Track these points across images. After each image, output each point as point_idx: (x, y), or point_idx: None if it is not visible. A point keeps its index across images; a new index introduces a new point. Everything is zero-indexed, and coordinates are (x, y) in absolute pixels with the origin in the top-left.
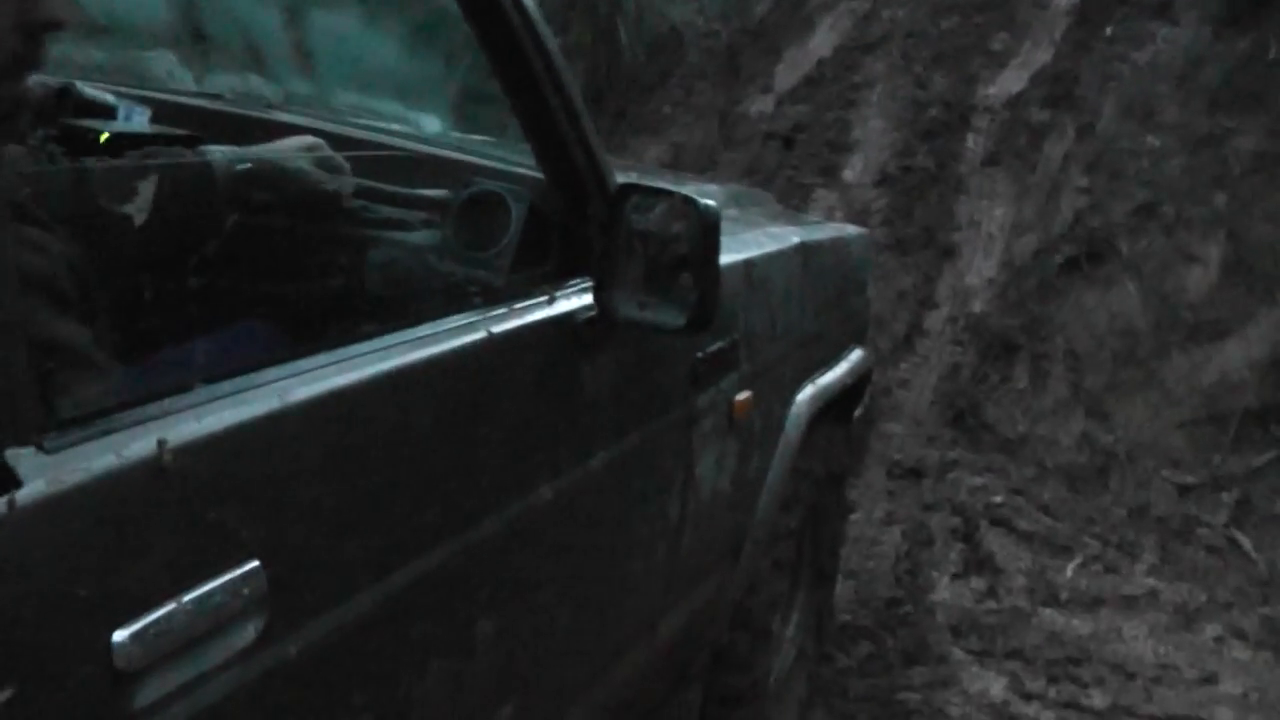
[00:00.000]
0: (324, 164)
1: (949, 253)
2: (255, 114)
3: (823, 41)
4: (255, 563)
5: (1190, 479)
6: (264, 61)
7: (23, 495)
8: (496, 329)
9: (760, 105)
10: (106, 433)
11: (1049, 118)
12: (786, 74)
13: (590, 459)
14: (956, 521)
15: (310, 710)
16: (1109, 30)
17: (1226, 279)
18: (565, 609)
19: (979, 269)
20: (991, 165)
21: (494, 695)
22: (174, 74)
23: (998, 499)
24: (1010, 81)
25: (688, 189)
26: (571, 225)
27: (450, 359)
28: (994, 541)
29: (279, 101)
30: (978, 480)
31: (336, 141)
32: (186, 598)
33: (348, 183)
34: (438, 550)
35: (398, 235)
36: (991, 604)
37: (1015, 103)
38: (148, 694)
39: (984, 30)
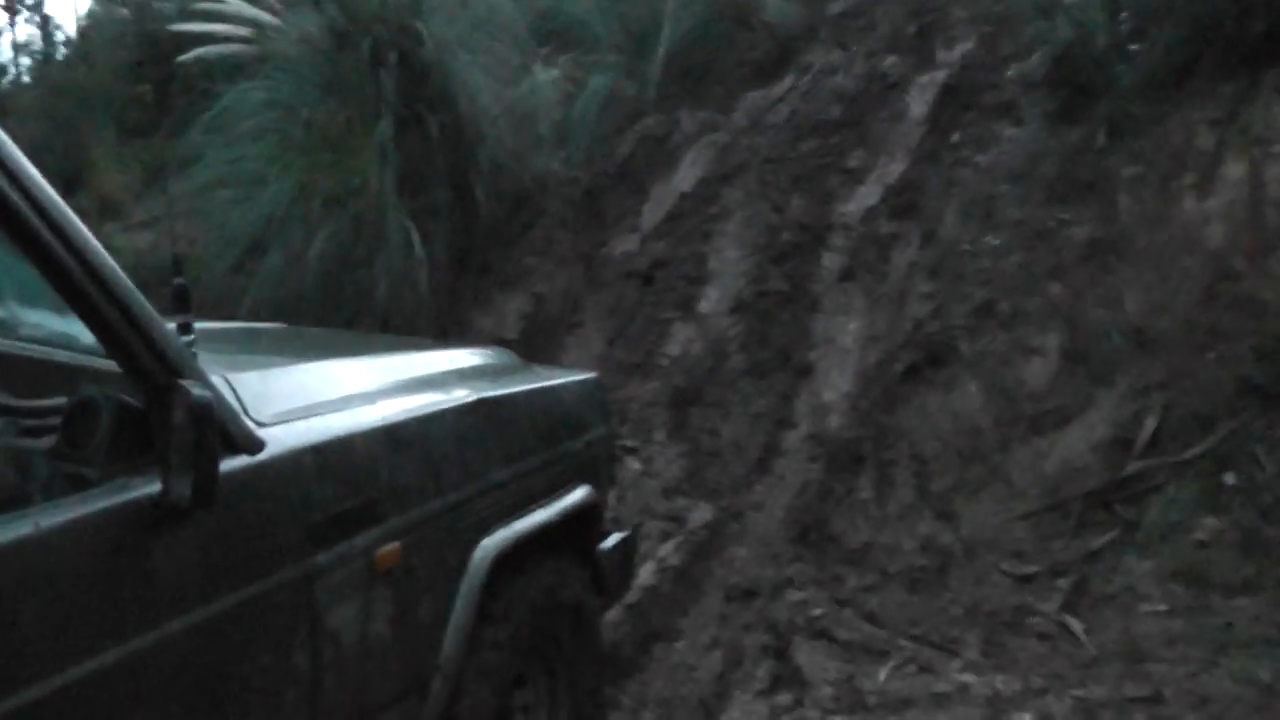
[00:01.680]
0: None
1: (805, 371)
2: None
3: (686, 176)
4: None
5: (1030, 569)
6: None
7: None
8: (47, 520)
9: (626, 245)
10: None
11: (896, 229)
12: (652, 212)
13: (167, 624)
14: (768, 638)
15: None
16: (956, 136)
17: (1065, 366)
18: None
19: (835, 384)
20: (845, 280)
21: None
22: None
23: (818, 611)
24: (866, 196)
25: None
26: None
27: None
28: (806, 654)
29: None
30: (800, 595)
31: None
32: None
33: None
34: None
35: (20, 441)
36: (786, 718)
37: (868, 217)
38: None
39: (841, 149)
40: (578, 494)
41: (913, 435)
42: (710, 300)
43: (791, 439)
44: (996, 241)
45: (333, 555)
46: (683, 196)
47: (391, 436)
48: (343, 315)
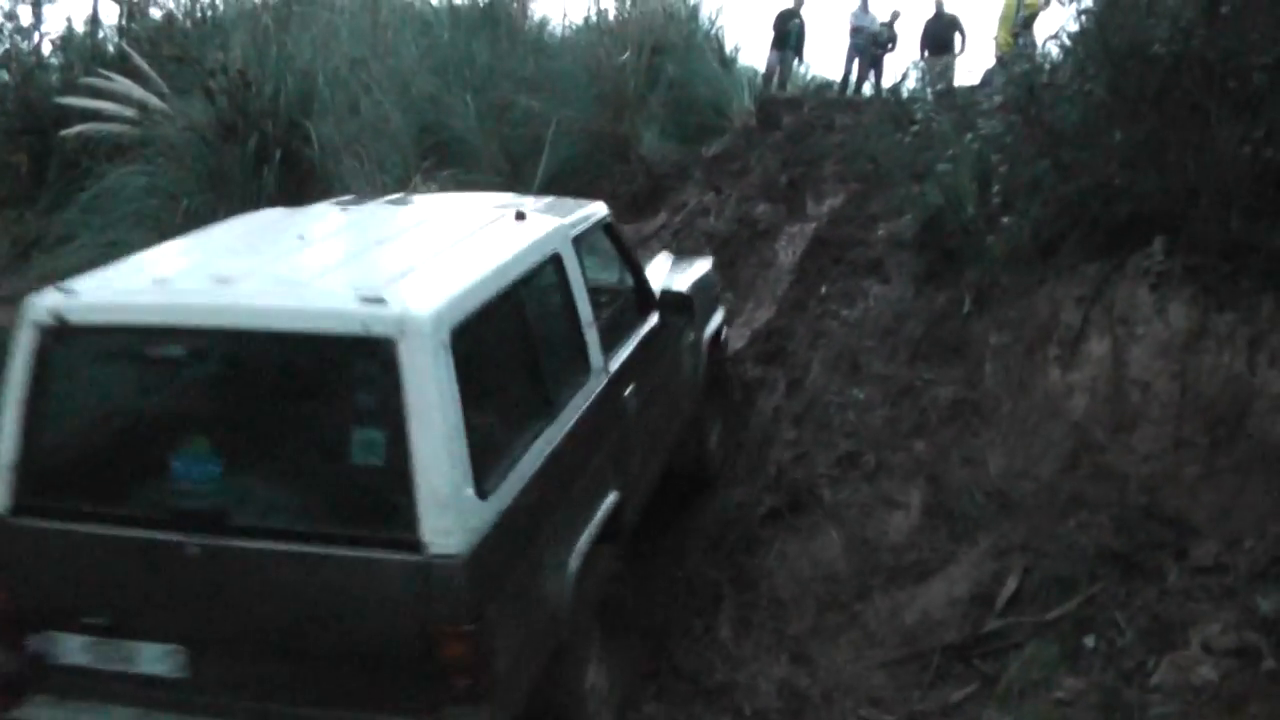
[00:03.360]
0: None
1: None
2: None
3: None
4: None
5: (888, 717)
6: None
7: None
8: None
9: None
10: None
11: (763, 373)
12: None
13: (668, 368)
14: None
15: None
16: (824, 289)
17: (927, 522)
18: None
19: (698, 522)
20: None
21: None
22: None
23: None
24: (734, 339)
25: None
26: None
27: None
28: None
29: None
30: None
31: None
32: None
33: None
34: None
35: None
36: None
37: (736, 360)
38: None
39: None
40: (721, 313)
41: (772, 578)
42: None
43: (650, 574)
44: (862, 395)
45: (688, 335)
46: None
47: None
48: None
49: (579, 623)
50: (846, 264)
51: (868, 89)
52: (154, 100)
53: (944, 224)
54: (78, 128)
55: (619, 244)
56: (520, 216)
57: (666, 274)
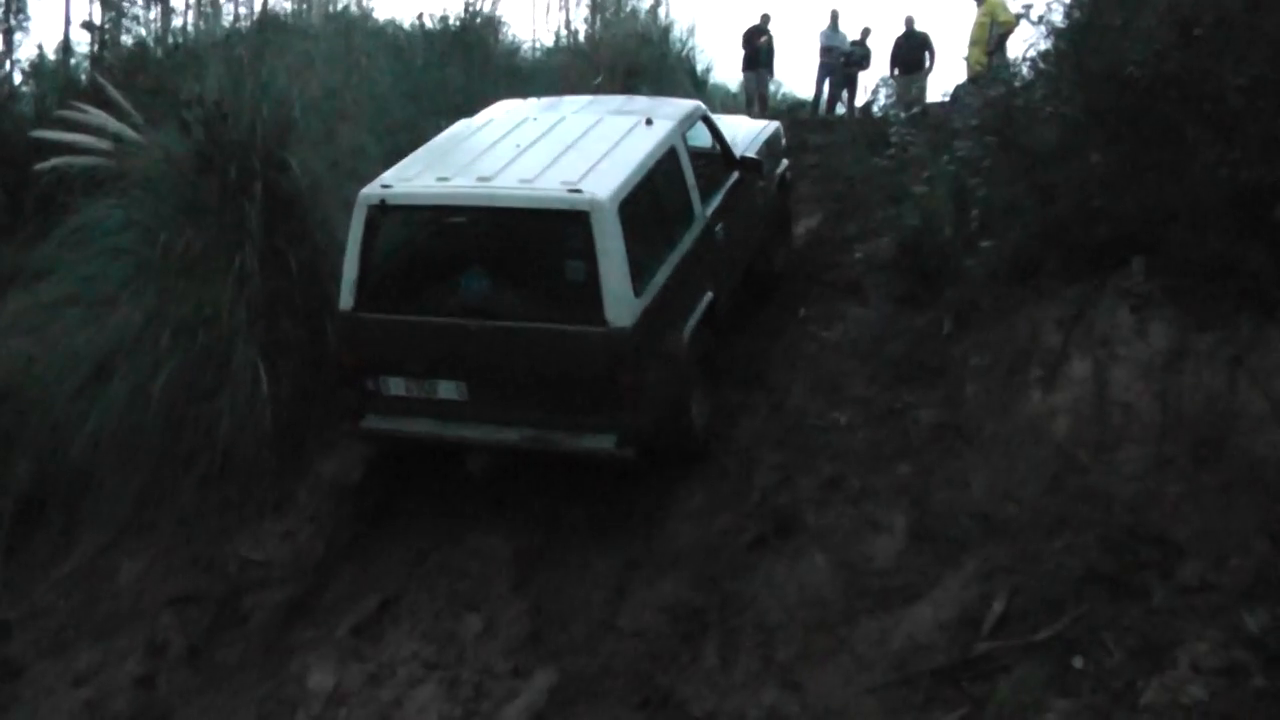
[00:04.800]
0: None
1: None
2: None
3: None
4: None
5: None
6: None
7: None
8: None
9: None
10: None
11: (744, 398)
12: None
13: (759, 199)
14: None
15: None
16: (803, 311)
17: (913, 545)
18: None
19: (681, 548)
20: None
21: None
22: None
23: None
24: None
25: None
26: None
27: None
28: None
29: None
30: None
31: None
32: None
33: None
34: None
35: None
36: None
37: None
38: None
39: None
40: (785, 162)
41: (758, 604)
42: None
43: (636, 602)
44: (843, 418)
45: (758, 184)
46: None
47: (763, 145)
48: (182, 451)
49: (688, 370)
50: (824, 286)
51: (840, 109)
52: (129, 132)
53: (922, 246)
54: (52, 161)
55: (711, 125)
56: (649, 122)
57: (744, 130)
